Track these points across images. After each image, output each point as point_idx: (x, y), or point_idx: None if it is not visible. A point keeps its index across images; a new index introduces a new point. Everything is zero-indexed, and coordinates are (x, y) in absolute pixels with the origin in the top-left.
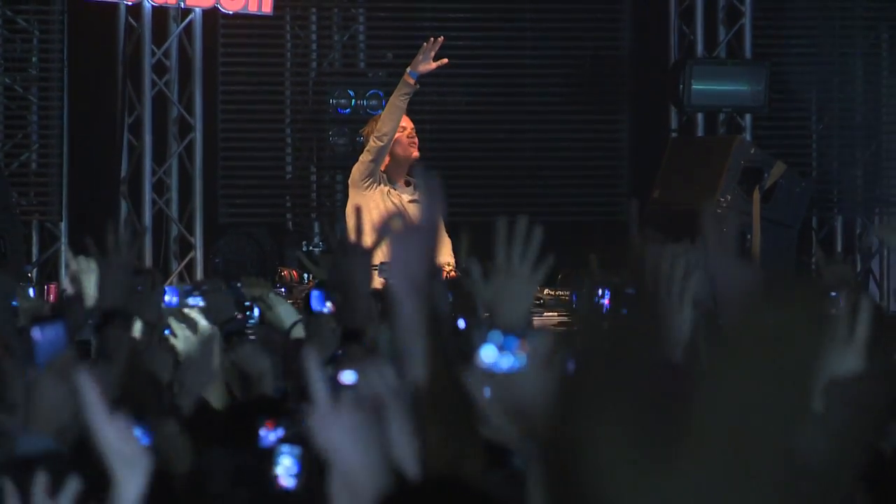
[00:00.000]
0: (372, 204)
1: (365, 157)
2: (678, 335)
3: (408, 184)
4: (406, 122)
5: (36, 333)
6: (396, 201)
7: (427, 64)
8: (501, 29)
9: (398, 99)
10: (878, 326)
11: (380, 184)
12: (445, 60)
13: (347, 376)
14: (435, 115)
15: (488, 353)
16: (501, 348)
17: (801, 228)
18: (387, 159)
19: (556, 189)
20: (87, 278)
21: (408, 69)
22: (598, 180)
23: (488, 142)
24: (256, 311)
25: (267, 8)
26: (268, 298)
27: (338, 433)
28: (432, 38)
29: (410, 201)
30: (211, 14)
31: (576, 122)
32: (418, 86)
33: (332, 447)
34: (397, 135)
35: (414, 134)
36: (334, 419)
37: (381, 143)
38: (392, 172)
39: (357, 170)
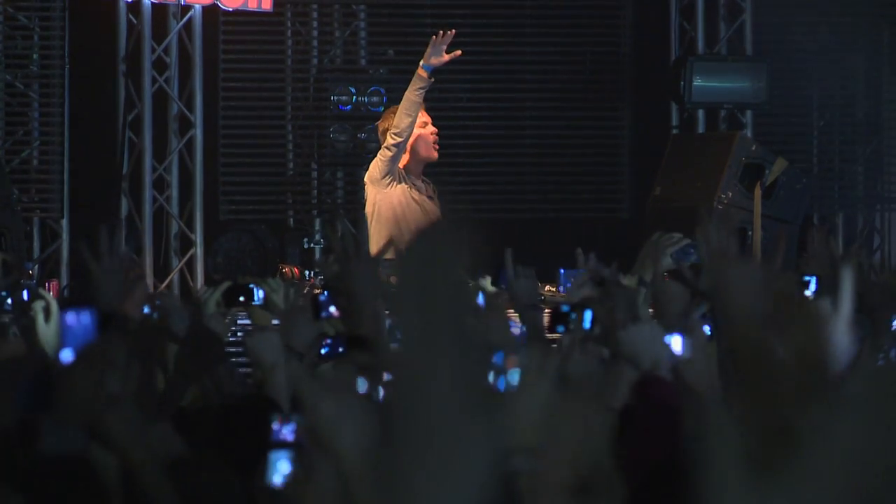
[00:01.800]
0: (395, 200)
1: (384, 155)
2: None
3: (424, 181)
4: (428, 119)
5: (70, 318)
6: (416, 197)
7: (440, 57)
8: (502, 26)
9: (413, 94)
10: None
11: (400, 181)
12: (459, 52)
13: (359, 384)
14: (435, 112)
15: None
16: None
17: (803, 225)
18: (406, 156)
19: (556, 186)
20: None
21: (421, 63)
22: (598, 177)
23: (489, 139)
24: (261, 294)
25: (267, 4)
26: (270, 282)
27: (332, 411)
28: (441, 32)
29: (428, 197)
30: (211, 11)
31: (576, 119)
32: (433, 79)
33: (325, 425)
34: (423, 131)
35: (436, 132)
36: (332, 397)
37: (400, 139)
38: (411, 169)
39: (376, 167)
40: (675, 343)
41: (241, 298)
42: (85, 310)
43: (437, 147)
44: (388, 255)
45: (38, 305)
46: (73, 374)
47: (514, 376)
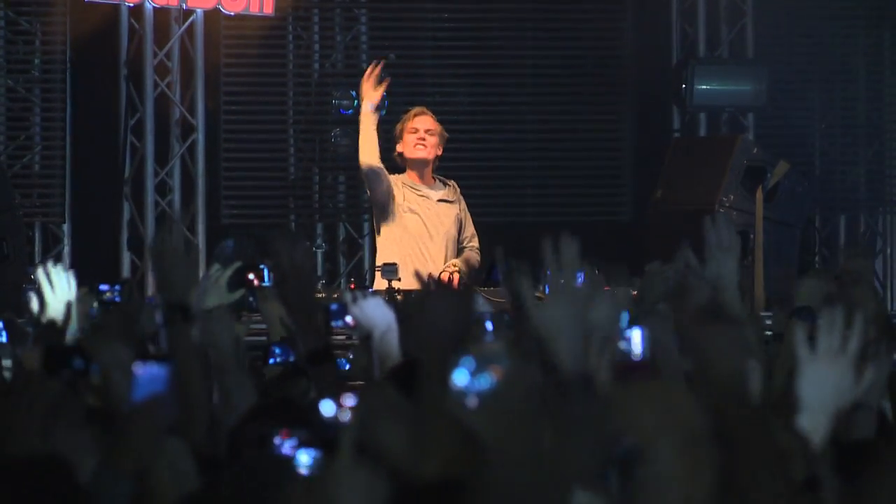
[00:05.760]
0: (388, 215)
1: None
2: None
3: (440, 182)
4: (419, 124)
5: (138, 369)
6: (415, 206)
7: (375, 90)
8: (503, 29)
9: (360, 127)
10: (882, 330)
11: (395, 193)
12: (388, 80)
13: (327, 407)
14: (437, 116)
15: (461, 377)
16: (475, 373)
17: (804, 228)
18: (406, 165)
19: (558, 189)
20: (51, 291)
21: (365, 101)
22: (600, 180)
23: (490, 142)
24: (269, 275)
25: (268, 9)
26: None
27: None
28: (371, 67)
29: (440, 200)
30: (212, 15)
31: (578, 123)
32: (380, 112)
33: None
34: (406, 136)
35: (424, 135)
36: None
37: (363, 174)
38: (413, 176)
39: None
40: (636, 337)
41: (251, 276)
42: (156, 364)
43: (423, 144)
44: (403, 257)
45: (42, 275)
46: (129, 424)
47: (485, 381)
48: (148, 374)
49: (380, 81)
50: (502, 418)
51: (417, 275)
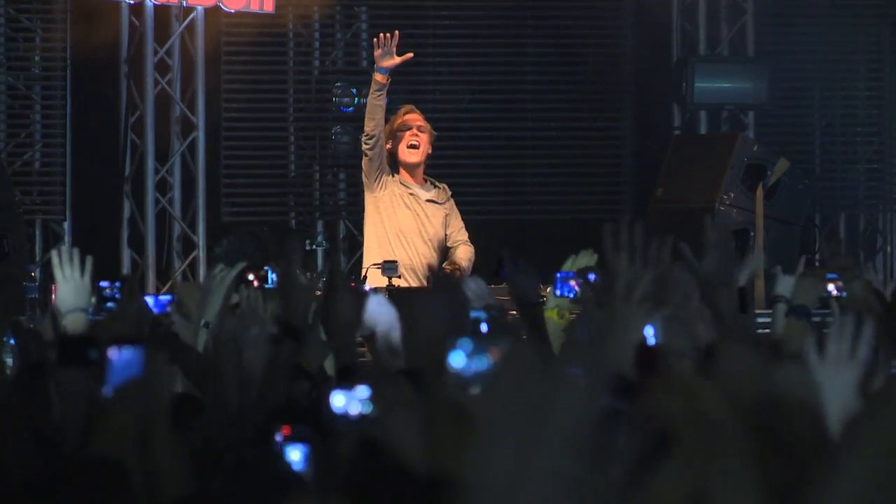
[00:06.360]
0: (382, 205)
1: (363, 161)
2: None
3: (431, 183)
4: (412, 121)
5: (113, 353)
6: (408, 202)
7: (391, 59)
8: (503, 27)
9: (371, 96)
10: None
11: (389, 186)
12: (411, 55)
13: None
14: (437, 114)
15: (457, 359)
16: (471, 355)
17: (804, 225)
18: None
19: (558, 187)
20: (62, 276)
21: (375, 67)
22: (600, 178)
23: (490, 140)
24: (274, 276)
25: (269, 6)
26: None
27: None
28: (382, 35)
29: (428, 200)
30: (213, 12)
31: (578, 120)
32: (389, 79)
33: None
34: (401, 133)
35: (417, 133)
36: None
37: (368, 144)
38: (406, 175)
39: (363, 173)
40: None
41: (251, 277)
42: (131, 346)
43: (416, 147)
44: (383, 259)
45: (55, 259)
46: (107, 409)
47: (482, 363)
48: (123, 358)
49: (397, 54)
50: (501, 400)
51: (430, 268)
